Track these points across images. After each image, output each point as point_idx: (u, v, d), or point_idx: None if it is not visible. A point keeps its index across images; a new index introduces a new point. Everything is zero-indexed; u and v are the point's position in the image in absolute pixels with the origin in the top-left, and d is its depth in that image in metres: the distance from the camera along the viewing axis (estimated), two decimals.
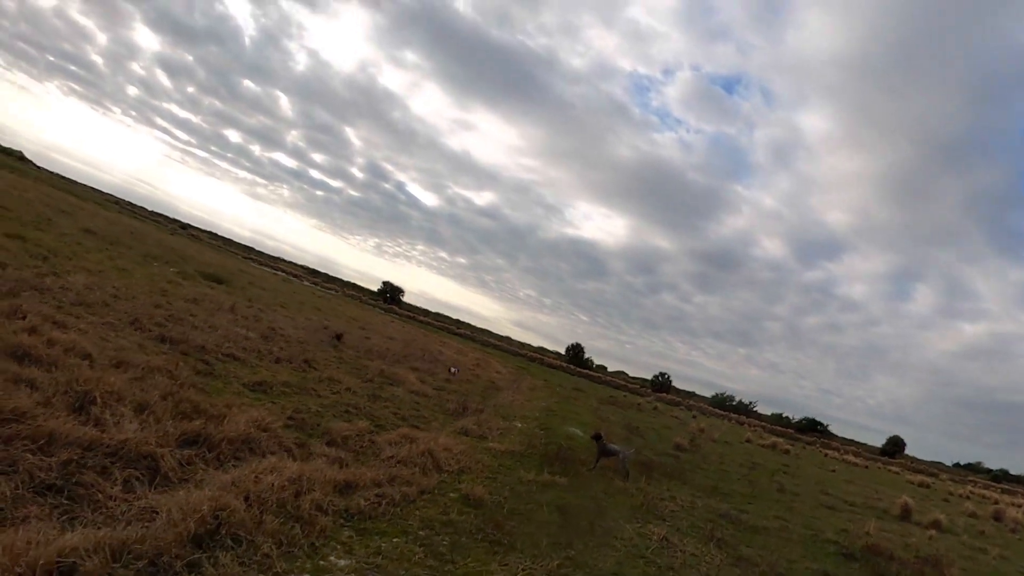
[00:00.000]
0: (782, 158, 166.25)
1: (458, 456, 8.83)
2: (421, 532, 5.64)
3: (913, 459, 71.59)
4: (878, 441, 79.39)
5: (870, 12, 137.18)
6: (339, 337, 19.80)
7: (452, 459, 8.53)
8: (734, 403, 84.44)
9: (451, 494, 7.10)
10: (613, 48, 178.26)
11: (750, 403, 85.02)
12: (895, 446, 75.62)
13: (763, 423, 71.08)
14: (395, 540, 5.29)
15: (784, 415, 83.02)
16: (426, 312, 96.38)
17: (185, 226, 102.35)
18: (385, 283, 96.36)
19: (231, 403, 7.65)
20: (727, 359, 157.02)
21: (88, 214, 34.78)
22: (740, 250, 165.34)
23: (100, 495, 4.62)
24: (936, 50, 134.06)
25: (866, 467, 40.28)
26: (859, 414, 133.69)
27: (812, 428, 78.83)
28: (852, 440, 79.35)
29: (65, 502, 4.44)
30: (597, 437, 11.94)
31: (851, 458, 45.45)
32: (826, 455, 43.01)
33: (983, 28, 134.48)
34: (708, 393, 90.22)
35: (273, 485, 5.33)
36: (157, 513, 4.49)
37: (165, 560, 3.97)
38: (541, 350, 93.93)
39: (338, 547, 4.85)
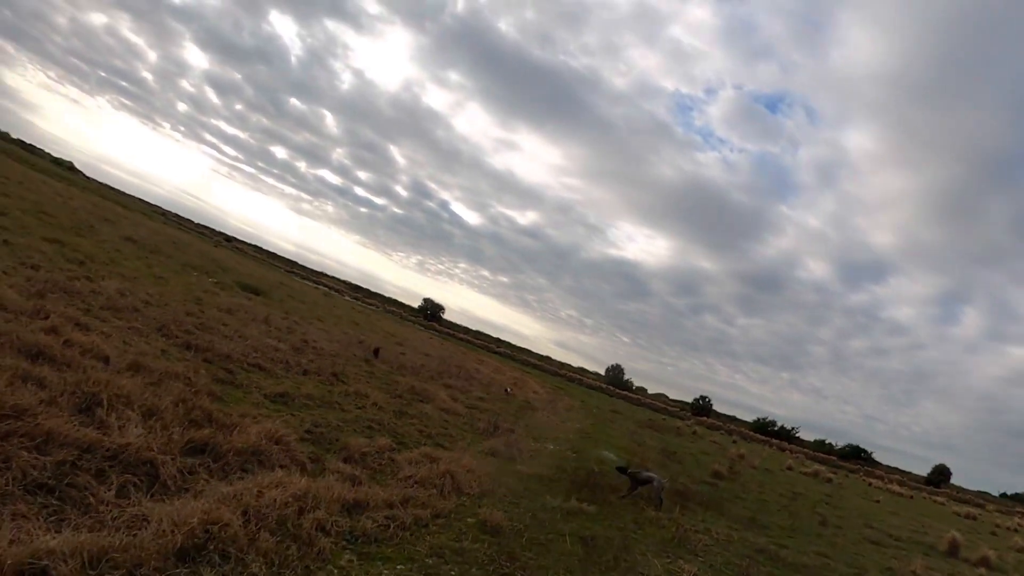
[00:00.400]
0: (827, 177, 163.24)
1: (481, 478, 8.39)
2: (429, 560, 5.21)
3: (959, 489, 68.10)
4: (923, 469, 76.60)
5: (913, 28, 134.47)
6: (376, 352, 19.90)
7: (474, 481, 8.09)
8: (776, 428, 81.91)
9: (468, 519, 6.67)
10: (655, 67, 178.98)
11: (792, 429, 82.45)
12: (940, 475, 72.42)
13: (805, 450, 68.60)
14: (399, 567, 4.88)
15: (827, 442, 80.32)
16: (466, 330, 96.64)
17: (230, 239, 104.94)
18: (426, 300, 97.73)
19: (247, 413, 7.43)
20: (769, 383, 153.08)
21: (131, 223, 35.70)
22: (784, 272, 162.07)
23: (92, 498, 4.43)
24: (981, 64, 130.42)
25: (911, 497, 38.33)
26: (904, 441, 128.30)
27: (856, 455, 75.99)
28: (896, 468, 76.24)
29: (55, 503, 4.26)
30: (623, 470, 11.22)
31: (896, 487, 43.33)
32: (870, 484, 41.16)
33: None
34: (750, 418, 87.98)
35: (276, 501, 5.02)
36: (148, 521, 4.23)
37: (143, 572, 3.69)
38: (581, 370, 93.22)
39: (335, 571, 4.47)
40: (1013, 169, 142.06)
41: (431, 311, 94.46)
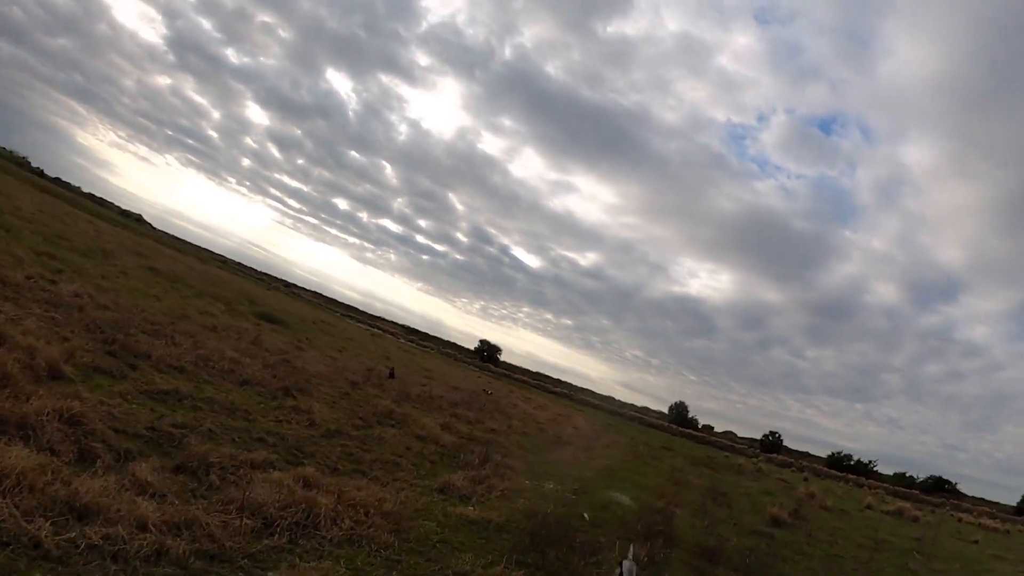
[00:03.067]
0: (888, 196, 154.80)
1: (370, 518, 6.10)
2: None
3: None
4: (1009, 499, 67.49)
5: (962, 33, 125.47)
6: (392, 374, 20.84)
7: (352, 520, 5.89)
8: (852, 463, 75.47)
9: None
10: (705, 99, 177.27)
11: (870, 462, 75.56)
12: None
13: (885, 484, 61.99)
14: None
15: (907, 474, 73.07)
16: (524, 371, 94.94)
17: (289, 284, 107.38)
18: (482, 341, 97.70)
19: (77, 395, 6.08)
20: (843, 416, 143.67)
21: (168, 259, 35.88)
22: (852, 298, 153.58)
23: None
24: None
25: (1007, 532, 32.48)
26: (987, 470, 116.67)
27: (939, 488, 68.34)
28: (982, 499, 67.88)
29: None
30: None
31: (987, 521, 37.22)
32: (960, 520, 35.48)
33: None
34: (823, 453, 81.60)
35: None
36: None
37: None
38: (644, 409, 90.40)
39: None
40: None
41: (487, 352, 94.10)
